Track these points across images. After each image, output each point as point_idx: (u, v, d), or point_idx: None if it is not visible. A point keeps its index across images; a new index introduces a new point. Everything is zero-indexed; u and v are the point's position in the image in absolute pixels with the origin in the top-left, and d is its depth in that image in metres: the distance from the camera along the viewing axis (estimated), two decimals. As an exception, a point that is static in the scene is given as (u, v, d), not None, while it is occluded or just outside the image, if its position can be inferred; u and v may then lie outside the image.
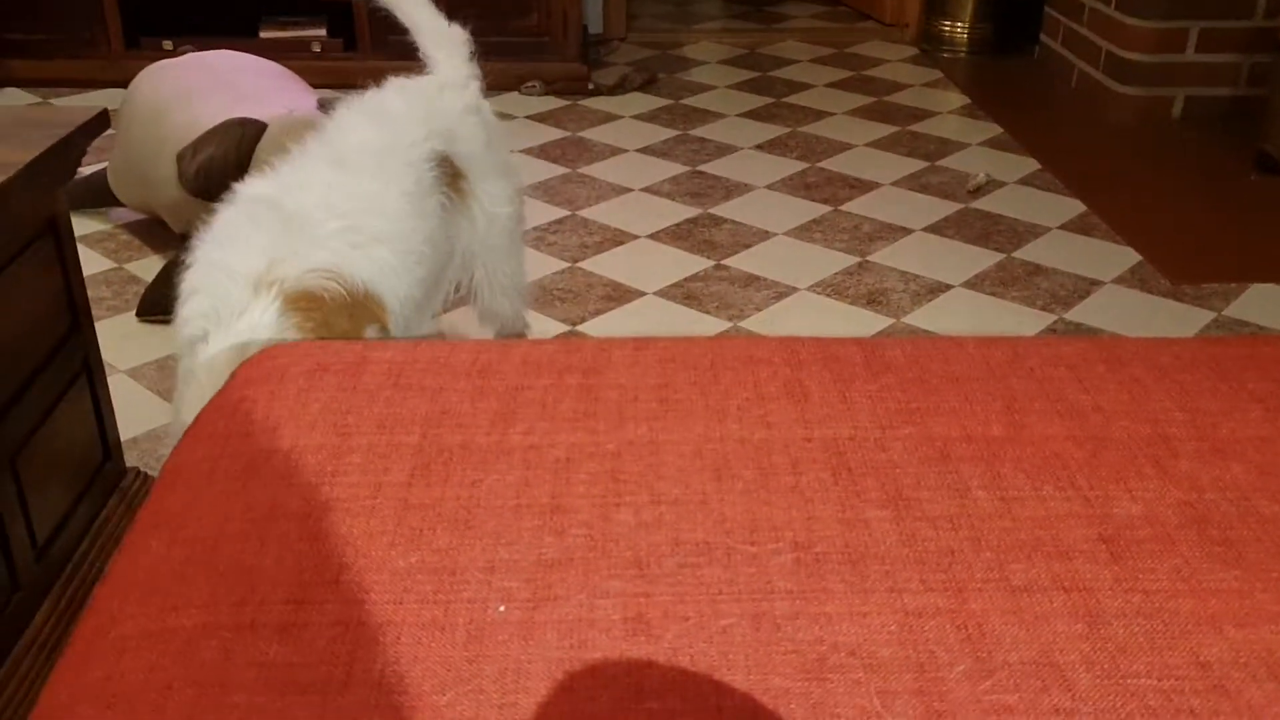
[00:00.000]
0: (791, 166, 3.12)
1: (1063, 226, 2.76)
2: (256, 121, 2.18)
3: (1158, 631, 0.70)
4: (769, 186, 2.99)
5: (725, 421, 0.91)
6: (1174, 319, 2.32)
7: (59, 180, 1.55)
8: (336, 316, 1.30)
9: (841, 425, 0.91)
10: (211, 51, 2.56)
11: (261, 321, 1.24)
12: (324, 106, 2.29)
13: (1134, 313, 2.34)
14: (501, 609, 0.71)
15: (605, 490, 0.82)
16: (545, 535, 0.78)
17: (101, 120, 1.55)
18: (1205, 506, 0.81)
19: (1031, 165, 3.15)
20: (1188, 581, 0.74)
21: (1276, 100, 3.09)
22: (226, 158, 2.14)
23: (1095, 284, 2.48)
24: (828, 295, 2.42)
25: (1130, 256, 2.61)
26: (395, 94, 1.63)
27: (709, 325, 2.29)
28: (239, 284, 1.25)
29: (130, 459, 1.79)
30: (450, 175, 1.59)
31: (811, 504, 0.81)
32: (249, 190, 1.39)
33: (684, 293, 2.43)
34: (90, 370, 1.63)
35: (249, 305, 1.24)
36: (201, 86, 2.38)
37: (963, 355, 1.02)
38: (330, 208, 1.38)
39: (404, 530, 0.78)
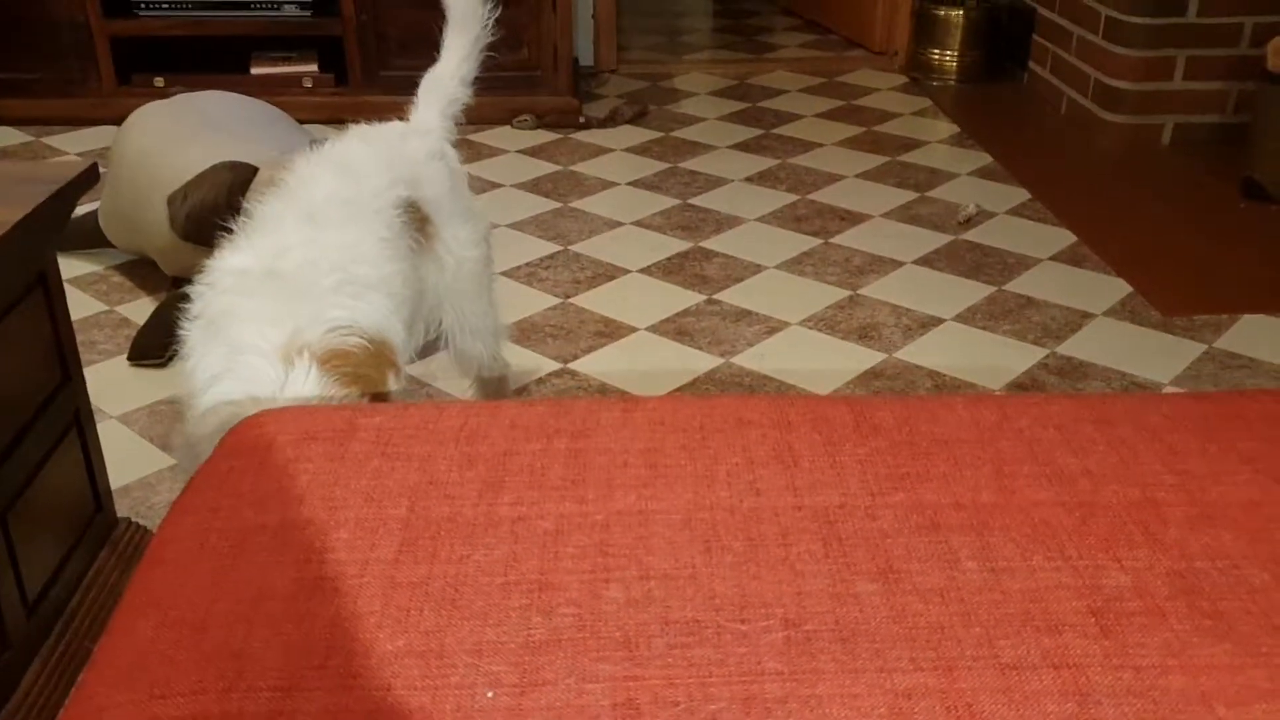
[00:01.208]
0: (782, 199, 3.13)
1: (1053, 258, 2.77)
2: (246, 165, 2.19)
3: (1148, 712, 0.70)
4: (760, 219, 3.00)
5: (714, 488, 0.91)
6: (1165, 352, 2.33)
7: (50, 236, 1.55)
8: (365, 369, 1.31)
9: (831, 492, 0.91)
10: (201, 93, 2.57)
11: (305, 390, 1.23)
12: (316, 147, 2.29)
13: (1125, 346, 2.35)
14: (490, 695, 0.70)
15: (594, 565, 0.82)
16: (533, 615, 0.77)
17: (91, 174, 1.55)
18: (1195, 576, 0.81)
19: (1021, 195, 3.16)
20: (1178, 657, 0.74)
21: (1259, 128, 3.11)
22: (217, 202, 2.14)
23: (1087, 316, 2.48)
24: (819, 330, 2.43)
25: (1121, 288, 2.61)
26: (357, 142, 1.63)
27: (701, 361, 2.29)
28: (268, 360, 1.24)
29: (122, 508, 1.78)
30: (417, 220, 1.60)
31: (802, 577, 0.81)
32: (229, 265, 1.38)
33: (676, 328, 2.43)
34: (81, 423, 1.63)
35: (286, 378, 1.22)
36: (191, 129, 2.39)
37: (952, 416, 1.02)
38: (319, 264, 1.38)
39: (391, 610, 0.78)
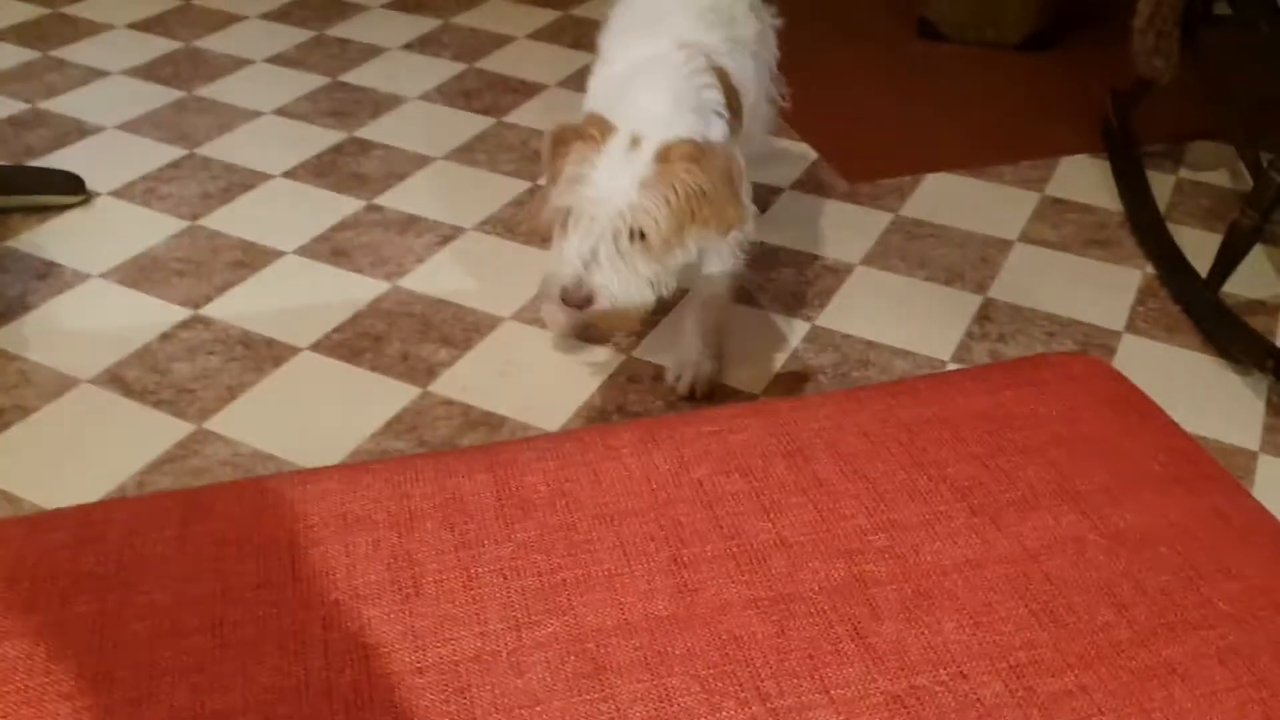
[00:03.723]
0: (447, 69, 2.78)
1: (739, 124, 2.60)
2: None
3: None
4: (423, 96, 2.65)
5: None
6: (853, 226, 2.23)
7: None
8: None
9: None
10: None
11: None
12: None
13: (814, 223, 2.23)
14: None
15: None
16: None
17: None
18: (918, 701, 0.65)
19: (703, 50, 2.95)
20: None
21: (933, -36, 3.03)
22: None
23: (774, 191, 2.35)
24: (499, 234, 2.16)
25: (805, 154, 2.49)
26: None
27: (363, 289, 1.98)
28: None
29: None
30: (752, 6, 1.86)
31: None
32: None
33: (331, 247, 2.10)
34: None
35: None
36: None
37: (616, 469, 0.80)
38: None
39: None
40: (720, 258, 1.74)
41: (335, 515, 0.75)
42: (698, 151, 1.44)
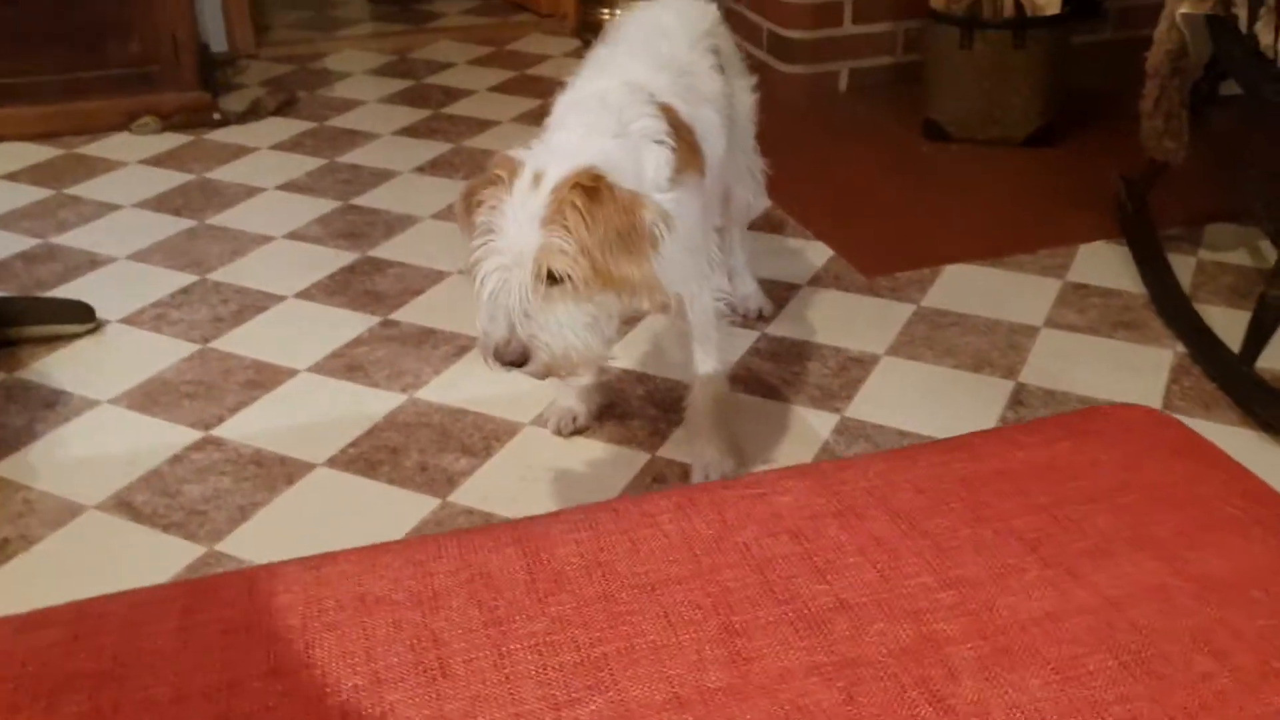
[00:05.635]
0: (458, 190, 2.79)
1: (751, 227, 2.59)
2: None
3: None
4: (435, 216, 2.66)
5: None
6: (876, 319, 2.19)
7: None
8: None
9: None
10: None
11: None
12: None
13: (835, 317, 2.20)
14: None
15: None
16: None
17: None
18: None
19: (710, 159, 2.97)
20: None
21: (930, 67, 3.07)
22: None
23: (792, 289, 2.32)
24: (512, 343, 2.13)
25: (822, 252, 2.47)
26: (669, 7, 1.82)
27: (379, 402, 1.94)
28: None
29: None
30: (718, 68, 1.80)
31: None
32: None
33: (346, 363, 2.07)
34: None
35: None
36: None
37: (657, 540, 0.74)
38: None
39: None
40: (707, 349, 1.70)
41: (352, 596, 0.69)
42: (593, 182, 1.31)
